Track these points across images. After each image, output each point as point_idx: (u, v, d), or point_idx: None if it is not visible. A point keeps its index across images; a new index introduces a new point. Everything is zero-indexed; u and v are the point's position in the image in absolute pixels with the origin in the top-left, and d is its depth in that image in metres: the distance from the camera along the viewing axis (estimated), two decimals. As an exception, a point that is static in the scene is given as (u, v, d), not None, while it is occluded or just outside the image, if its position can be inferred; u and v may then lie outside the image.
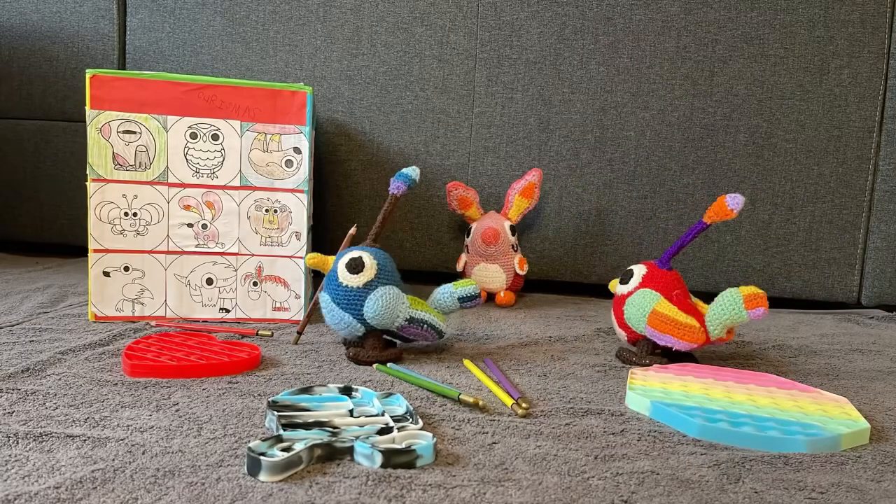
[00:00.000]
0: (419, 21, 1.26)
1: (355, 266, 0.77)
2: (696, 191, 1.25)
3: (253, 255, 0.93)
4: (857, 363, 0.87)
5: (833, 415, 0.63)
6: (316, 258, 0.83)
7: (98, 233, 0.89)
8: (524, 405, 0.63)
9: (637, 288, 0.82)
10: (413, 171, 0.83)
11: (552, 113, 1.26)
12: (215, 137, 0.90)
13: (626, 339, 0.84)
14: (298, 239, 0.93)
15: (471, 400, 0.62)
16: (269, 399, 0.60)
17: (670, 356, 0.82)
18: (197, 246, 0.92)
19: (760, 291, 0.73)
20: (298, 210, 0.93)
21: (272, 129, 0.91)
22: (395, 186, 0.82)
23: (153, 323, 0.90)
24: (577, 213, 1.27)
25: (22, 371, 0.67)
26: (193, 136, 0.89)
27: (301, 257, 0.93)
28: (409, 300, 0.78)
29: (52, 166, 1.40)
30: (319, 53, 1.29)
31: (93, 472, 0.46)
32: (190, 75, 0.96)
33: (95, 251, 0.89)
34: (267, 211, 0.92)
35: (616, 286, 0.86)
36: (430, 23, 1.26)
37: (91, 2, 1.34)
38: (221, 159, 0.91)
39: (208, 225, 0.91)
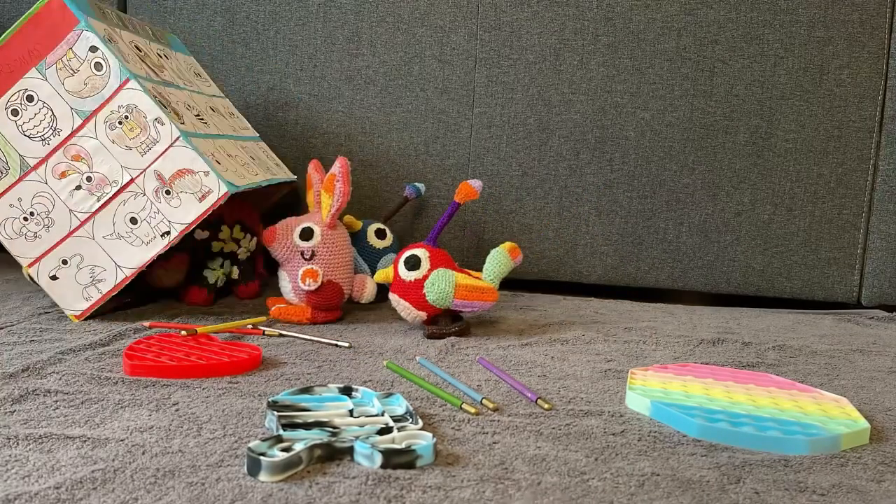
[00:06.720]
0: (419, 21, 1.26)
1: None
2: (696, 191, 1.25)
3: (143, 169, 0.88)
4: (857, 363, 0.87)
5: (833, 415, 0.63)
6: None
7: (17, 249, 0.88)
8: (546, 405, 0.64)
9: (430, 270, 0.90)
10: (422, 187, 1.22)
11: (552, 113, 1.26)
12: (30, 99, 0.86)
13: (424, 318, 0.91)
14: (161, 124, 0.87)
15: (472, 411, 0.62)
16: (269, 399, 0.60)
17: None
18: (98, 200, 0.88)
19: (514, 244, 0.93)
20: (139, 98, 0.87)
21: (60, 50, 0.86)
22: (408, 192, 1.19)
23: (146, 324, 0.89)
24: (576, 213, 1.27)
25: (22, 371, 0.67)
26: (14, 112, 0.86)
27: (186, 147, 0.88)
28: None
29: None
30: (319, 53, 1.29)
31: (93, 472, 0.46)
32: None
33: (29, 265, 0.88)
34: (120, 123, 0.87)
35: (402, 273, 0.91)
36: (430, 23, 1.26)
37: (91, 2, 1.34)
38: (51, 113, 0.87)
39: (91, 176, 0.87)
